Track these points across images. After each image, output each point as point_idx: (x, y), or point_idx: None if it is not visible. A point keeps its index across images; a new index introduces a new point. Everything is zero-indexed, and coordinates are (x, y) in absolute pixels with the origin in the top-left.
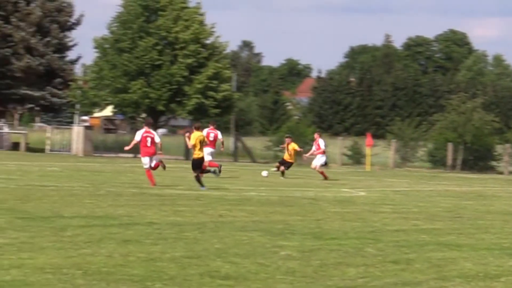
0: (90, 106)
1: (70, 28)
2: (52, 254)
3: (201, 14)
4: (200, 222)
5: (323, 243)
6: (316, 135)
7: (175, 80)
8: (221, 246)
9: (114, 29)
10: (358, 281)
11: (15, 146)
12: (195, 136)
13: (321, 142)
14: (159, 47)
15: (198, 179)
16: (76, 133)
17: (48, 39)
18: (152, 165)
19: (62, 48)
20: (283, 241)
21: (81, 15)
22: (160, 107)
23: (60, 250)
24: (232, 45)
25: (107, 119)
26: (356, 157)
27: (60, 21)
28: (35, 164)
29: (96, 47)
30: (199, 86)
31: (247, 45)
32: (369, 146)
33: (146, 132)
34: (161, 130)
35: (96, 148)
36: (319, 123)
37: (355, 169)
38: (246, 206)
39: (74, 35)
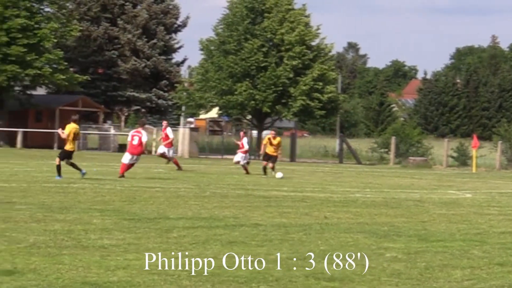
0: (195, 108)
1: (176, 30)
2: (158, 255)
3: (307, 16)
4: (305, 224)
5: (429, 245)
6: (241, 133)
7: (281, 82)
8: (326, 248)
9: (220, 31)
10: (464, 284)
11: (121, 148)
12: (70, 128)
13: (244, 140)
14: (264, 49)
15: (58, 168)
16: (182, 134)
17: (154, 41)
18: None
19: (168, 50)
20: (388, 243)
21: (187, 17)
22: (266, 109)
23: (166, 251)
24: (338, 47)
25: (213, 120)
26: (462, 159)
27: (166, 23)
28: (140, 166)
29: (201, 49)
30: (304, 87)
31: (352, 46)
32: (475, 148)
33: (136, 131)
34: (266, 132)
35: (201, 149)
36: (425, 124)
37: (461, 171)
38: (351, 207)
39: (180, 37)
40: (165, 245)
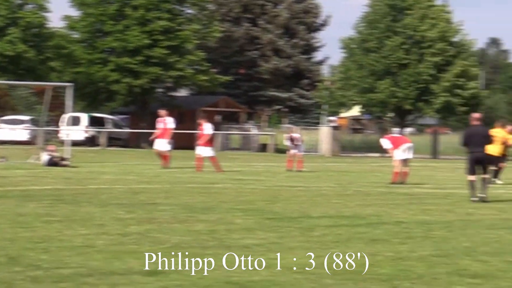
0: (337, 107)
1: (317, 29)
2: (301, 254)
3: (448, 12)
4: (448, 221)
5: None
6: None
7: (422, 79)
8: (469, 245)
9: (361, 29)
10: None
11: (263, 148)
12: None
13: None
14: (406, 46)
15: None
16: (324, 133)
17: (295, 40)
18: None
19: (309, 49)
20: None
21: (328, 16)
22: (407, 106)
23: (308, 250)
24: (480, 43)
25: (354, 119)
26: None
27: (307, 23)
28: (282, 165)
29: (343, 48)
30: (446, 84)
31: (494, 42)
32: None
33: None
34: (408, 129)
35: (343, 148)
36: None
37: None
38: (495, 204)
39: (321, 36)
40: (307, 244)
